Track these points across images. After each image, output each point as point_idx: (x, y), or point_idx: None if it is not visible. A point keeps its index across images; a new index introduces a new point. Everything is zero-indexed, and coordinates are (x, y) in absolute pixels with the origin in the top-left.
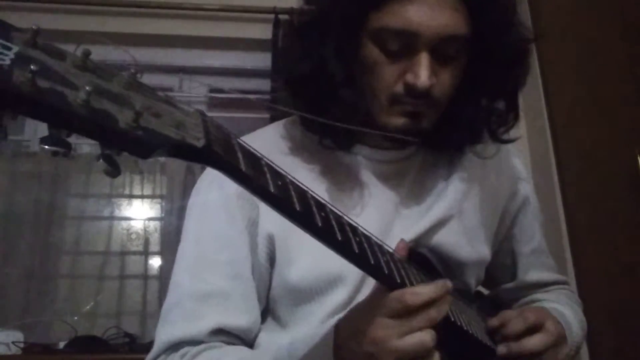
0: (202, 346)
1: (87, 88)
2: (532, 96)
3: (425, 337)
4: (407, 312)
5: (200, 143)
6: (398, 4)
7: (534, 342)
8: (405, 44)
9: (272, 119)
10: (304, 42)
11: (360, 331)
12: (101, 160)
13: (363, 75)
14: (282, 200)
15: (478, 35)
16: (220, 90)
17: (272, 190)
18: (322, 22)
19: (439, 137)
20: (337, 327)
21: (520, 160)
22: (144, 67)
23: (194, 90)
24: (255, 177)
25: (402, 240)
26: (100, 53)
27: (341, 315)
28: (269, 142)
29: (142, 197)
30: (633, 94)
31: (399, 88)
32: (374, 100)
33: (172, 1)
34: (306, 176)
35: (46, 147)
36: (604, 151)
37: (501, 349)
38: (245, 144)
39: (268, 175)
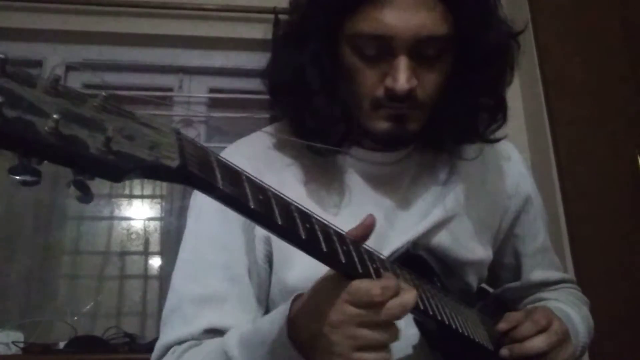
0: (189, 343)
1: (56, 115)
2: (532, 96)
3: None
4: (372, 305)
5: (174, 163)
6: (372, 9)
7: (536, 343)
8: (382, 48)
9: (272, 119)
10: (284, 51)
11: (321, 312)
12: (72, 187)
13: (345, 81)
14: (262, 215)
15: (459, 34)
16: (220, 90)
17: (252, 206)
18: (300, 30)
19: (430, 138)
20: (296, 305)
21: (522, 159)
22: (146, 68)
23: (194, 90)
24: (234, 194)
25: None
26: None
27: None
28: (257, 144)
29: (142, 197)
30: (633, 94)
31: (380, 92)
32: (358, 106)
33: (172, 1)
34: (293, 176)
35: (16, 177)
36: (604, 151)
37: (504, 352)
38: (224, 160)
39: (248, 191)
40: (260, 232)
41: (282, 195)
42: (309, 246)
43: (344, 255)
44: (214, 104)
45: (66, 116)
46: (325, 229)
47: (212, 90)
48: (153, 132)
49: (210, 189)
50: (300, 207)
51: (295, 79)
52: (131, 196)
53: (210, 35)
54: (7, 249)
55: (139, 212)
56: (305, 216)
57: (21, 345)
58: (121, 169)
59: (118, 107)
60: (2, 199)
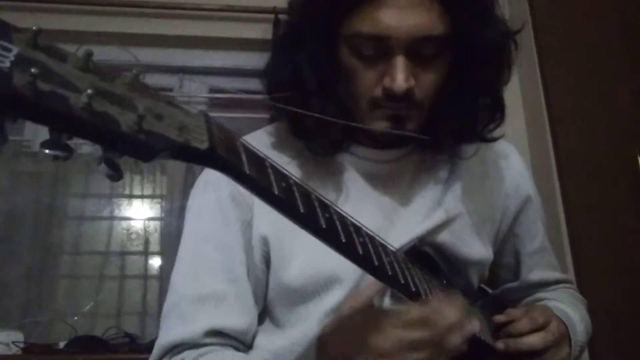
0: (201, 350)
1: (89, 91)
2: (532, 96)
3: None
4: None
5: (204, 145)
6: (369, 9)
7: (532, 340)
8: (379, 49)
9: (272, 119)
10: (282, 51)
11: (366, 342)
12: (102, 164)
13: (343, 81)
14: (285, 202)
15: (457, 33)
16: (220, 90)
17: (276, 192)
18: (298, 30)
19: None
20: (324, 334)
21: (521, 159)
22: (146, 68)
23: (194, 90)
24: (259, 179)
25: None
26: (102, 52)
27: (329, 320)
28: (256, 143)
29: (142, 197)
30: (633, 94)
31: (378, 92)
32: (356, 106)
33: (172, 1)
34: (292, 174)
35: (47, 151)
36: (604, 151)
37: (499, 345)
38: (249, 145)
39: (272, 177)
40: (257, 232)
41: (302, 184)
42: (329, 236)
43: (361, 246)
44: (214, 104)
45: (98, 92)
46: (343, 219)
47: (212, 90)
48: (181, 113)
49: (236, 173)
50: (319, 196)
51: (292, 79)
52: (131, 196)
53: (210, 35)
54: (7, 249)
55: (139, 212)
56: (325, 206)
57: (21, 345)
58: (152, 149)
59: (147, 86)
60: (2, 199)
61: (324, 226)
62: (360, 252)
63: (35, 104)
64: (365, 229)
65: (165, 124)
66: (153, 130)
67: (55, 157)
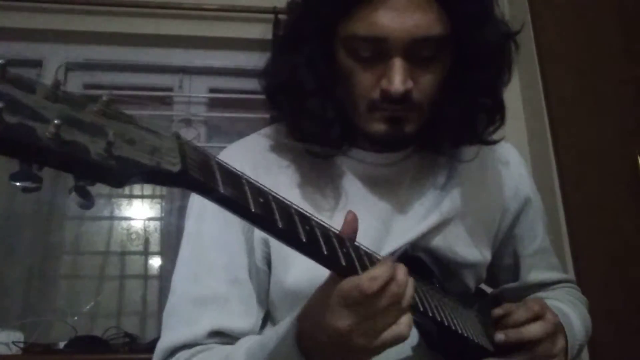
0: (196, 348)
1: (57, 121)
2: (532, 96)
3: (399, 328)
4: (366, 299)
5: (176, 168)
6: (366, 11)
7: (532, 329)
8: (377, 50)
9: (272, 119)
10: (280, 53)
11: (322, 322)
12: (73, 193)
13: (341, 83)
14: (263, 218)
15: (455, 34)
16: (220, 90)
17: (253, 210)
18: (296, 32)
19: (427, 140)
20: (300, 316)
21: (521, 160)
22: (146, 68)
23: (194, 90)
24: (235, 198)
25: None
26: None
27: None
28: (254, 147)
29: (142, 197)
30: (633, 94)
31: (376, 94)
32: (354, 108)
33: (172, 1)
34: (289, 179)
35: (17, 183)
36: (604, 151)
37: (499, 336)
38: (224, 164)
39: (249, 194)
40: (258, 233)
41: (281, 198)
42: (310, 249)
43: (344, 257)
44: (214, 103)
45: (67, 121)
46: (325, 231)
47: (212, 90)
48: (153, 136)
49: (211, 193)
50: (299, 209)
51: (290, 81)
52: (131, 196)
53: (210, 35)
54: (7, 249)
55: (139, 212)
56: (305, 219)
57: (21, 345)
58: (122, 174)
59: (118, 111)
60: (2, 199)
61: (304, 240)
62: (344, 264)
63: (2, 137)
64: (348, 240)
65: (136, 149)
66: (123, 156)
67: (25, 189)
